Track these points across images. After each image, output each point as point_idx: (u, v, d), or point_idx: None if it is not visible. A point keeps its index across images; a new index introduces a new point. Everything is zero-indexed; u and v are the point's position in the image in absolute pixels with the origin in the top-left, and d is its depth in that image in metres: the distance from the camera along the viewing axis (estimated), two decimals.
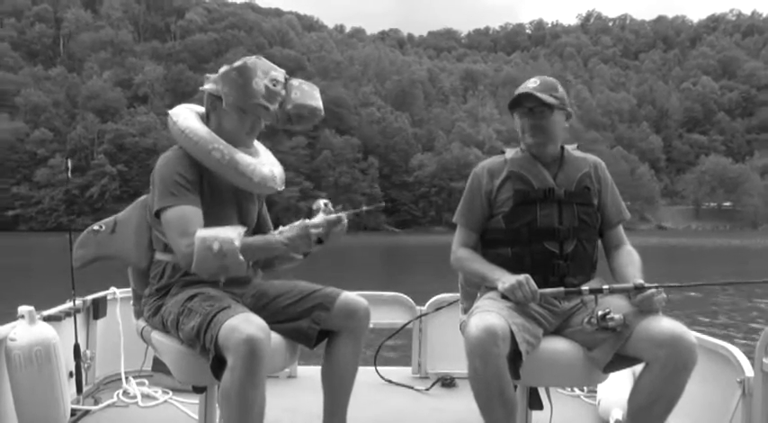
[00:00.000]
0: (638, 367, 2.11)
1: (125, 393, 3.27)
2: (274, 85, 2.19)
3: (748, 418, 2.32)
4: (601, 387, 3.01)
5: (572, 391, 3.45)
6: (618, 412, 2.81)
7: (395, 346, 4.19)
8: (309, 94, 2.27)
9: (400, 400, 3.36)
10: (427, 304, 3.69)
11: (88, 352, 3.25)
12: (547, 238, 2.28)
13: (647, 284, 2.07)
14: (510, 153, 2.44)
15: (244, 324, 1.87)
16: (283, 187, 2.38)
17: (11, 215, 68.28)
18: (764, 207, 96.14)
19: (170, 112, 2.28)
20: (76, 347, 3.07)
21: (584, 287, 2.16)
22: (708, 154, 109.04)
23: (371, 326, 2.36)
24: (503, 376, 1.94)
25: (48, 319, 2.88)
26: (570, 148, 2.45)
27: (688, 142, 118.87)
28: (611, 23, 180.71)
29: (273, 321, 2.13)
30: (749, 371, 2.33)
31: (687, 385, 1.98)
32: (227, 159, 2.15)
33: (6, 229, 63.60)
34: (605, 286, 2.12)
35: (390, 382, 3.60)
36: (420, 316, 3.69)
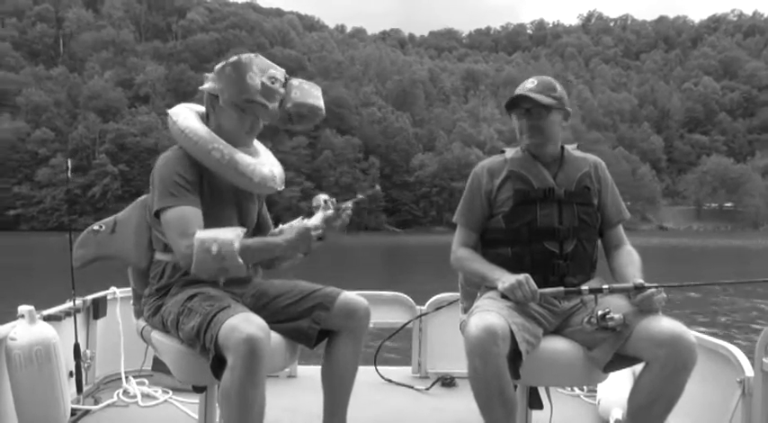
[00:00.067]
0: (638, 367, 2.11)
1: (125, 393, 3.27)
2: (272, 83, 2.18)
3: (748, 417, 2.32)
4: (601, 387, 3.01)
5: (572, 390, 3.45)
6: (618, 412, 2.82)
7: (395, 346, 4.18)
8: (309, 92, 2.27)
9: (400, 399, 3.36)
10: (427, 304, 3.70)
11: (88, 352, 3.25)
12: (547, 237, 2.28)
13: (646, 284, 2.07)
14: (510, 153, 2.44)
15: (244, 324, 1.87)
16: (283, 187, 2.38)
17: (12, 215, 68.32)
18: (766, 207, 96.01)
19: (170, 111, 2.28)
20: (76, 347, 3.07)
21: (584, 287, 2.16)
22: (709, 154, 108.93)
23: (371, 325, 2.35)
24: (503, 376, 1.94)
25: (48, 318, 2.88)
26: (570, 148, 2.46)
27: (689, 142, 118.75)
28: (612, 24, 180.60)
29: (273, 321, 2.13)
30: (749, 371, 2.33)
31: (687, 385, 1.98)
32: (227, 159, 2.15)
33: (7, 228, 63.63)
34: (605, 286, 2.12)
35: (390, 381, 3.60)
36: (420, 315, 3.69)
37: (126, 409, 3.12)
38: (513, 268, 2.24)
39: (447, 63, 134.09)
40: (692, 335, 2.01)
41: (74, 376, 3.06)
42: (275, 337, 2.09)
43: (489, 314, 2.01)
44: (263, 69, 2.18)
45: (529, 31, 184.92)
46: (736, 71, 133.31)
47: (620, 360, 2.07)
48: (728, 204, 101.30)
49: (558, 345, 2.15)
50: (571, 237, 2.29)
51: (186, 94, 71.09)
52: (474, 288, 2.47)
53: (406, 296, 3.76)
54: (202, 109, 2.33)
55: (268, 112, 2.21)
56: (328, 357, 2.30)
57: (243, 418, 1.88)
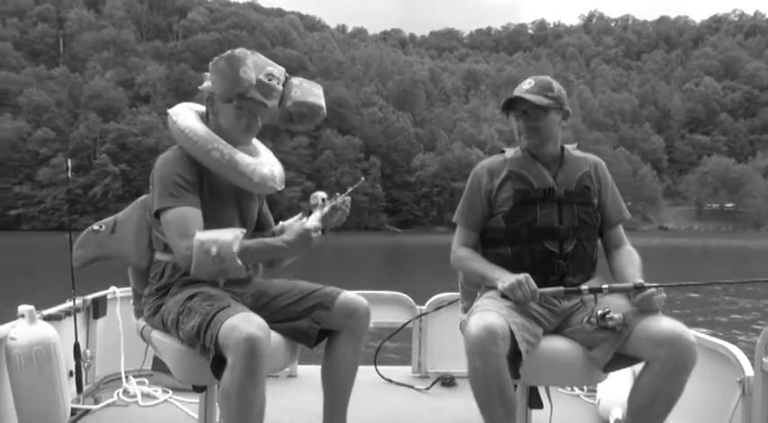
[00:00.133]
0: (638, 366, 2.11)
1: (125, 392, 3.27)
2: (269, 80, 2.18)
3: (748, 417, 2.31)
4: (601, 386, 3.01)
5: (572, 390, 3.45)
6: (618, 411, 2.81)
7: (395, 346, 4.18)
8: (309, 90, 2.27)
9: (400, 399, 3.36)
10: (427, 303, 3.70)
11: (88, 351, 3.25)
12: (547, 237, 2.28)
13: (646, 284, 2.07)
14: (510, 153, 2.44)
15: (244, 323, 1.87)
16: (283, 187, 2.37)
17: (13, 214, 68.36)
18: (767, 208, 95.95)
19: (170, 111, 2.28)
20: (76, 347, 3.07)
21: (584, 287, 2.16)
22: (710, 154, 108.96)
23: (371, 325, 2.35)
24: (502, 375, 1.94)
25: (48, 318, 2.88)
26: (570, 148, 2.46)
27: (690, 143, 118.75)
28: (613, 24, 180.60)
29: (273, 321, 2.13)
30: (749, 370, 2.33)
31: (687, 385, 1.98)
32: (227, 159, 2.15)
33: (9, 228, 63.70)
34: (605, 286, 2.12)
35: (390, 381, 3.60)
36: (420, 315, 3.69)
37: (126, 408, 3.12)
38: (513, 268, 2.24)
39: (448, 63, 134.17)
40: (692, 334, 2.01)
41: (74, 376, 3.06)
42: (275, 336, 2.08)
43: (489, 314, 2.01)
44: (260, 66, 2.18)
45: (530, 32, 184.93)
46: (737, 71, 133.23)
47: (620, 360, 2.07)
48: (730, 205, 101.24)
49: (557, 344, 2.15)
50: (571, 236, 2.29)
51: (187, 93, 70.99)
52: (474, 288, 2.47)
53: (406, 296, 3.76)
54: (203, 109, 2.33)
55: (267, 110, 2.20)
56: (328, 357, 2.30)
57: (243, 418, 1.87)
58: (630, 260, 2.31)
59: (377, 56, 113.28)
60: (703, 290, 13.66)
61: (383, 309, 3.63)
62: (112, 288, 3.57)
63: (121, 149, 72.53)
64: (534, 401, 2.26)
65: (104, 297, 3.48)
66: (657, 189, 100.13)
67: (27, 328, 2.58)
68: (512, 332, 1.98)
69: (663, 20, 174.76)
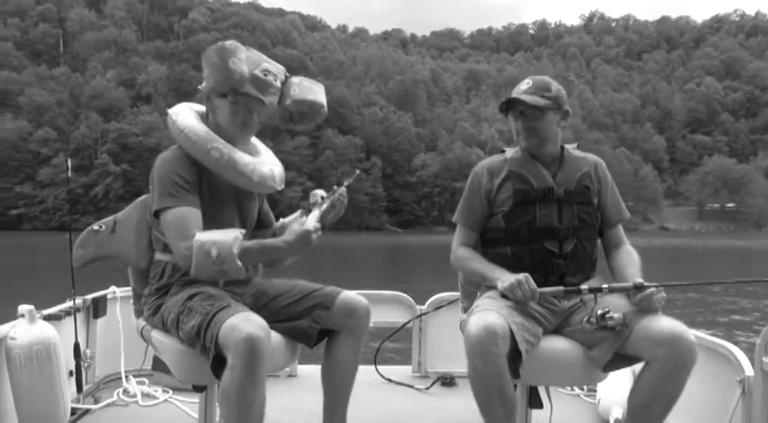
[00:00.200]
0: (638, 366, 2.11)
1: (125, 392, 3.27)
2: (265, 76, 2.18)
3: (748, 417, 2.31)
4: (600, 386, 3.01)
5: (572, 390, 3.45)
6: (618, 411, 2.81)
7: (395, 346, 4.19)
8: (309, 89, 2.27)
9: (400, 399, 3.36)
10: (427, 303, 3.70)
11: (88, 351, 3.26)
12: (546, 237, 2.29)
13: (646, 284, 2.07)
14: (510, 152, 2.44)
15: (244, 323, 1.87)
16: (283, 186, 2.37)
17: (14, 214, 68.40)
18: None
19: (169, 111, 2.27)
20: (77, 346, 3.07)
21: (584, 286, 2.16)
22: (711, 155, 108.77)
23: (371, 325, 2.35)
24: (502, 375, 1.94)
25: (48, 318, 2.89)
26: (570, 148, 2.46)
27: (691, 143, 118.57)
28: (614, 24, 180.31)
29: (273, 320, 2.13)
30: (749, 370, 2.33)
31: (687, 384, 1.98)
32: (227, 159, 2.15)
33: (10, 228, 63.74)
34: (605, 285, 2.12)
35: (390, 381, 3.60)
36: (420, 315, 3.69)
37: (126, 408, 3.12)
38: (513, 268, 2.24)
39: (449, 63, 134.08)
40: (692, 334, 2.01)
41: (74, 376, 3.06)
42: (275, 336, 2.08)
43: (489, 314, 2.01)
44: (255, 62, 2.18)
45: (531, 32, 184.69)
46: (738, 71, 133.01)
47: (620, 359, 2.07)
48: (731, 205, 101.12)
49: (557, 344, 2.15)
50: (571, 236, 2.29)
51: (188, 93, 70.97)
52: (474, 287, 2.47)
53: (405, 296, 3.76)
54: (203, 109, 2.32)
55: (264, 107, 2.20)
56: (328, 357, 2.30)
57: (243, 418, 1.87)
58: (630, 260, 2.31)
59: (378, 56, 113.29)
60: (703, 290, 13.66)
61: (383, 308, 3.63)
62: (112, 288, 3.57)
63: (122, 149, 72.55)
64: (534, 401, 2.27)
65: (104, 297, 3.48)
66: (658, 189, 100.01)
67: (27, 328, 2.58)
68: (512, 332, 1.98)
69: (664, 20, 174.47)
